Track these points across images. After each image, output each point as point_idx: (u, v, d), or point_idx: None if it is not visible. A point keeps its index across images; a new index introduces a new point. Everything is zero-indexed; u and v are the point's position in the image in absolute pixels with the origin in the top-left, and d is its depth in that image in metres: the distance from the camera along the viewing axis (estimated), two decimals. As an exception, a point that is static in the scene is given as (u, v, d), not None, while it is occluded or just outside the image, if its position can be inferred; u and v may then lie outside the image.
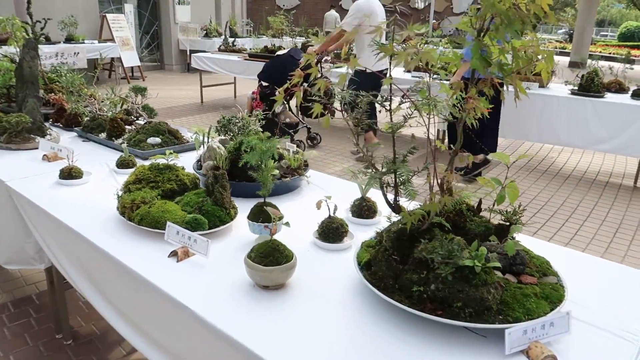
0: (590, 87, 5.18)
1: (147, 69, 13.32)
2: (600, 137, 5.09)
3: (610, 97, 5.23)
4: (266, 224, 1.39)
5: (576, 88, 5.34)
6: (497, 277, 1.23)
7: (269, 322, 1.26)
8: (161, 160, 1.90)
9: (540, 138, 5.56)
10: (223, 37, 10.45)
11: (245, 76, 8.05)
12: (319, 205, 1.71)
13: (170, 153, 1.95)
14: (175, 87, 11.36)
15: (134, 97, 2.76)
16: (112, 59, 11.39)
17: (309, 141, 6.17)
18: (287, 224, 1.47)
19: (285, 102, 5.78)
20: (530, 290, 1.25)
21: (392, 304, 1.24)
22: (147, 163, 1.94)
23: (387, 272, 1.30)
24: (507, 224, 1.43)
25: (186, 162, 2.25)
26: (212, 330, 1.25)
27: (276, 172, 2.04)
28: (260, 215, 1.62)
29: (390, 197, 1.40)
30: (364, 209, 1.86)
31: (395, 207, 1.42)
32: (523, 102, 5.42)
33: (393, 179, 1.33)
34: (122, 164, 2.31)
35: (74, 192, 2.08)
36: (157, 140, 2.59)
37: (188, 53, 13.69)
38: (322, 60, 5.74)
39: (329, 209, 1.70)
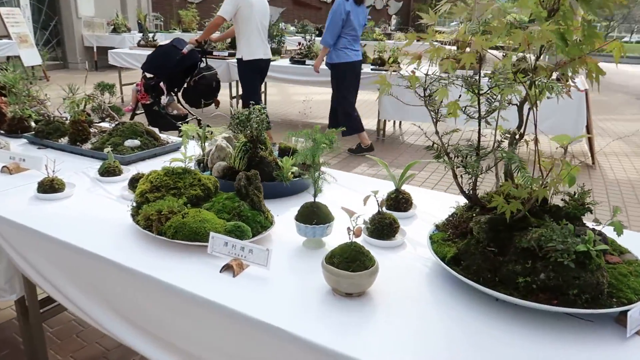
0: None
1: (48, 68, 12.14)
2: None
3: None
4: (348, 226, 1.25)
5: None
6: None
7: (368, 332, 1.14)
8: (177, 164, 1.67)
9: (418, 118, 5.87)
10: (142, 32, 9.76)
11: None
12: (365, 202, 1.60)
13: (174, 159, 1.73)
14: (87, 87, 10.47)
15: (100, 95, 2.44)
16: (8, 57, 10.22)
17: None
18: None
19: (173, 94, 5.55)
20: (625, 270, 1.24)
21: (499, 297, 1.18)
22: (142, 169, 1.70)
23: (483, 265, 1.23)
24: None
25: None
26: (305, 346, 1.11)
27: (295, 169, 1.90)
28: (312, 217, 1.48)
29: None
30: (401, 202, 1.78)
31: (473, 198, 1.36)
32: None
33: (472, 168, 1.26)
34: (107, 172, 2.03)
35: (61, 207, 1.78)
36: (136, 142, 2.31)
37: (95, 50, 12.70)
38: (206, 49, 5.58)
39: (378, 204, 1.59)
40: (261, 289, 1.31)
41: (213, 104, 5.80)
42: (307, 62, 6.53)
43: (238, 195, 1.59)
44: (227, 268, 1.36)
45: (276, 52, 6.90)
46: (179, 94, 5.62)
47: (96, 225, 1.63)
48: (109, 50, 8.32)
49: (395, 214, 1.76)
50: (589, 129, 5.31)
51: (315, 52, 6.67)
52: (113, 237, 1.55)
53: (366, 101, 9.01)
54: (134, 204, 1.60)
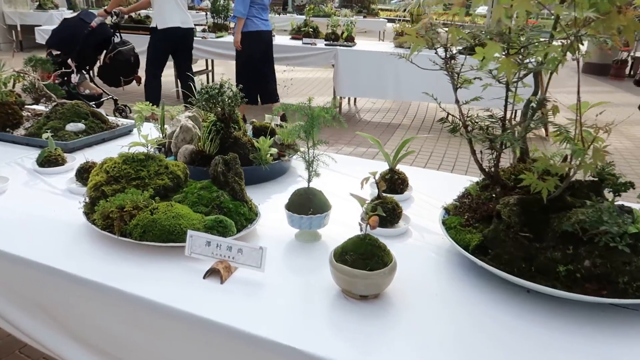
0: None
1: (-36, 49, 11.03)
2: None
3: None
4: (361, 219, 1.05)
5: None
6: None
7: (396, 343, 0.95)
8: (137, 149, 1.40)
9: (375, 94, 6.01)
10: (72, 9, 8.97)
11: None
12: (363, 184, 1.40)
13: (135, 143, 1.45)
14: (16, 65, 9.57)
15: (31, 71, 2.07)
16: None
17: (117, 113, 5.40)
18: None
19: (85, 72, 5.15)
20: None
21: (539, 291, 1.02)
22: (91, 156, 1.42)
23: (516, 254, 1.06)
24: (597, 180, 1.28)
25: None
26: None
27: (274, 150, 1.67)
28: (308, 206, 1.26)
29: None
30: (397, 183, 1.59)
31: (495, 177, 1.18)
32: (355, 59, 5.68)
33: (511, 142, 1.09)
34: (47, 162, 1.70)
35: (-9, 207, 1.46)
36: (80, 126, 1.99)
37: (19, 29, 11.63)
38: (119, 22, 5.17)
39: (378, 188, 1.40)
40: (256, 296, 1.08)
41: (134, 81, 5.37)
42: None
43: (215, 184, 1.34)
44: (212, 273, 1.13)
45: (223, 27, 6.48)
46: (94, 72, 5.17)
47: (38, 227, 1.33)
48: (36, 28, 7.56)
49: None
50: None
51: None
52: (62, 241, 1.27)
53: (319, 79, 8.78)
54: (87, 200, 1.32)
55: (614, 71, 9.47)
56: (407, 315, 1.03)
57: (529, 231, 1.07)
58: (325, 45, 5.91)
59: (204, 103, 1.54)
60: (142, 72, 5.41)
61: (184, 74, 5.15)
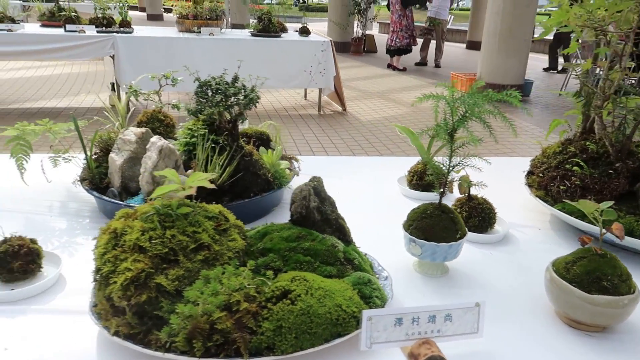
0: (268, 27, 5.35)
1: None
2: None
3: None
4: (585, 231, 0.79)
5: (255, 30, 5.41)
6: None
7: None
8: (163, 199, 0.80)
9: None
10: None
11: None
12: (463, 190, 1.15)
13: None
14: None
15: None
16: None
17: None
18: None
19: None
20: None
21: None
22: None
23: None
24: None
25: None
26: None
27: (286, 164, 1.26)
28: (444, 231, 0.94)
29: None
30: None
31: (623, 149, 1.09)
32: (140, 48, 5.06)
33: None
34: None
35: None
36: None
37: None
38: None
39: (469, 189, 1.16)
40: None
41: None
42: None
43: (306, 226, 0.88)
44: (419, 363, 0.73)
45: None
46: None
47: None
48: None
49: (417, 195, 1.35)
50: (338, 79, 5.62)
51: None
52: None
53: (81, 74, 7.34)
54: (129, 313, 0.70)
55: (353, 48, 10.70)
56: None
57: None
58: (98, 32, 4.90)
59: (207, 107, 0.99)
60: None
61: None
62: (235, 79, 1.04)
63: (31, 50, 4.76)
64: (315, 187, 0.90)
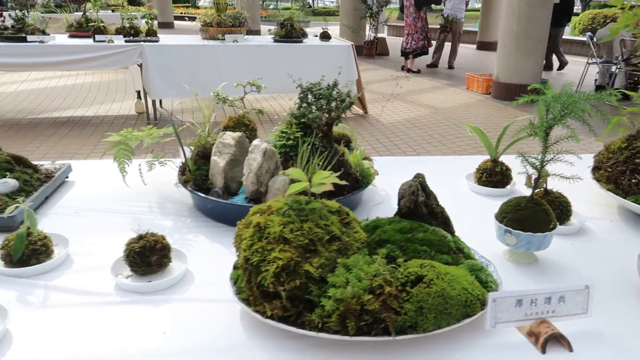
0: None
1: None
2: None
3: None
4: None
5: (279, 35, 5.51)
6: None
7: None
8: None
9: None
10: None
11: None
12: (531, 183, 1.21)
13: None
14: None
15: None
16: None
17: None
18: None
19: None
20: None
21: None
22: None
23: None
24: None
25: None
26: None
27: (369, 163, 1.34)
28: (539, 222, 1.01)
29: None
30: (497, 175, 1.43)
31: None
32: (168, 56, 5.14)
33: None
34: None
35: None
36: (11, 183, 1.19)
37: None
38: None
39: (533, 183, 1.22)
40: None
41: None
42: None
43: (414, 219, 0.96)
44: (536, 339, 0.80)
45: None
46: None
47: None
48: None
49: (488, 191, 1.42)
50: (359, 82, 5.70)
51: None
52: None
53: (106, 82, 7.48)
54: (284, 298, 0.78)
55: (366, 51, 10.79)
56: None
57: None
58: (126, 42, 5.02)
59: (310, 111, 1.07)
60: None
61: None
62: (335, 84, 1.12)
63: (62, 61, 4.89)
64: (422, 183, 0.98)
